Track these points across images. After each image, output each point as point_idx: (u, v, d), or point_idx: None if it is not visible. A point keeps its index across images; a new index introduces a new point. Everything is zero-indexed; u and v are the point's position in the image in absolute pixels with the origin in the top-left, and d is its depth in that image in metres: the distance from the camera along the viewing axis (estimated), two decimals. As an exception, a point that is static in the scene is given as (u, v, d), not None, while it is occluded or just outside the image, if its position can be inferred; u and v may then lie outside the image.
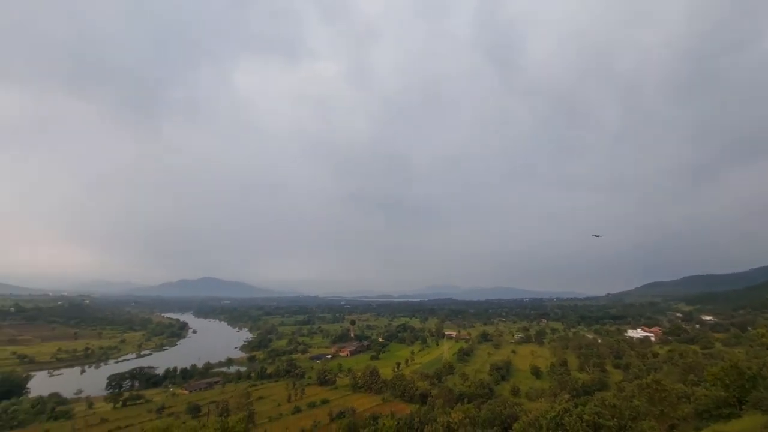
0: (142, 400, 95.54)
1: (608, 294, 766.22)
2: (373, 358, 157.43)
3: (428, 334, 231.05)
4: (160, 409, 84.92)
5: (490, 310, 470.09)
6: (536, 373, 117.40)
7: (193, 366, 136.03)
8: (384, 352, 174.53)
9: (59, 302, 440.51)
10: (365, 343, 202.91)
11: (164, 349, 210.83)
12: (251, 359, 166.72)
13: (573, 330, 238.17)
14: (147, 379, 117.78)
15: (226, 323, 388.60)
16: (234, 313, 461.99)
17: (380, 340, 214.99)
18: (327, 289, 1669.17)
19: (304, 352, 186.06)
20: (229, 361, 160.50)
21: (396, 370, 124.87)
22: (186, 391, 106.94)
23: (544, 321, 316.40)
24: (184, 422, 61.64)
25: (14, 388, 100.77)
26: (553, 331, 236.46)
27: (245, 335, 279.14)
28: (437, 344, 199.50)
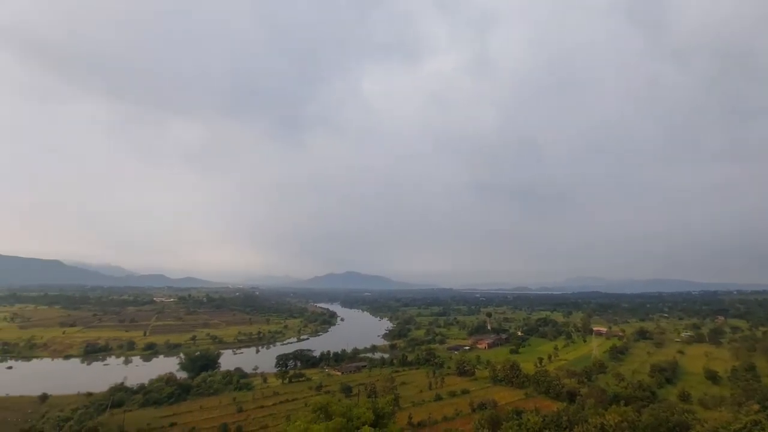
0: (303, 378, 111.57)
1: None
2: (512, 351, 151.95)
3: (573, 330, 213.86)
4: (319, 387, 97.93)
5: (648, 305, 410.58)
6: (712, 377, 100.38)
7: (343, 351, 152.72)
8: (524, 346, 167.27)
9: (236, 293, 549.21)
10: (503, 336, 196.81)
11: (318, 335, 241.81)
12: (392, 347, 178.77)
13: (762, 329, 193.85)
14: (306, 360, 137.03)
15: (368, 313, 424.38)
16: (375, 304, 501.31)
17: (519, 333, 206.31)
18: (461, 282, 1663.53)
19: (441, 342, 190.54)
20: (374, 348, 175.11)
21: (538, 365, 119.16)
22: (338, 373, 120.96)
23: (721, 318, 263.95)
24: (339, 400, 70.45)
25: (210, 362, 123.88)
26: (735, 329, 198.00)
27: (386, 324, 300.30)
28: (584, 340, 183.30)
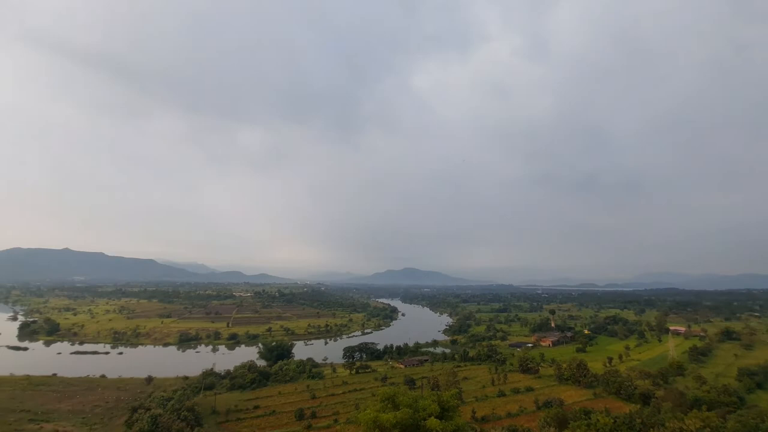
0: (369, 369, 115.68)
1: None
2: (578, 350, 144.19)
3: (646, 328, 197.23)
4: (384, 378, 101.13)
5: (735, 303, 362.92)
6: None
7: (405, 345, 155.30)
8: (591, 345, 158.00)
9: (304, 289, 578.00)
10: (568, 334, 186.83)
11: (381, 329, 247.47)
12: (453, 342, 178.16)
13: None
14: (371, 352, 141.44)
15: (428, 309, 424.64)
16: (434, 300, 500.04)
17: (585, 331, 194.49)
18: (522, 278, 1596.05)
19: (503, 339, 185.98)
20: (435, 343, 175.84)
21: (608, 365, 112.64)
22: (402, 366, 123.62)
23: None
24: (405, 392, 72.74)
25: (285, 352, 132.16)
26: None
27: (445, 320, 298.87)
28: (659, 340, 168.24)
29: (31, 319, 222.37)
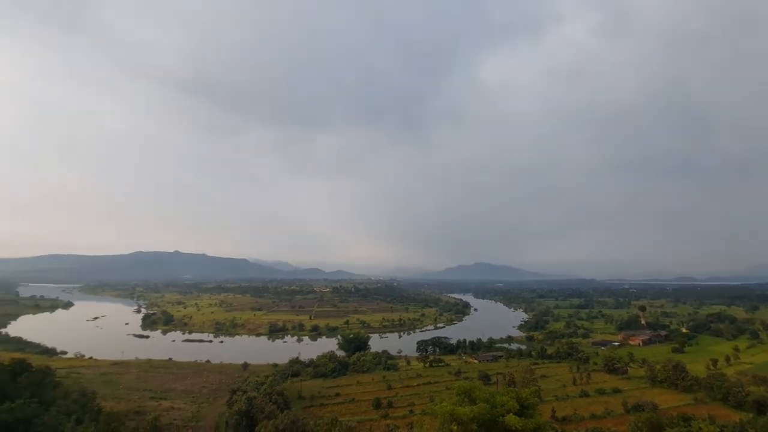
0: (442, 363, 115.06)
1: None
2: (675, 350, 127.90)
3: (761, 327, 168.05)
4: (458, 373, 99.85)
5: None
6: None
7: (479, 340, 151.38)
8: (690, 345, 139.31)
9: (378, 284, 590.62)
10: (662, 332, 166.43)
11: (453, 324, 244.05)
12: (529, 339, 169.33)
13: None
14: (444, 346, 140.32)
15: (501, 304, 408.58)
16: (507, 295, 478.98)
17: (683, 330, 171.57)
18: (605, 272, 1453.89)
19: (584, 336, 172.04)
20: (509, 339, 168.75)
21: (712, 367, 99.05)
22: (475, 361, 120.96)
23: None
24: (480, 387, 71.21)
25: (361, 344, 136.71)
26: None
27: (520, 315, 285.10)
28: None
29: (151, 312, 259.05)
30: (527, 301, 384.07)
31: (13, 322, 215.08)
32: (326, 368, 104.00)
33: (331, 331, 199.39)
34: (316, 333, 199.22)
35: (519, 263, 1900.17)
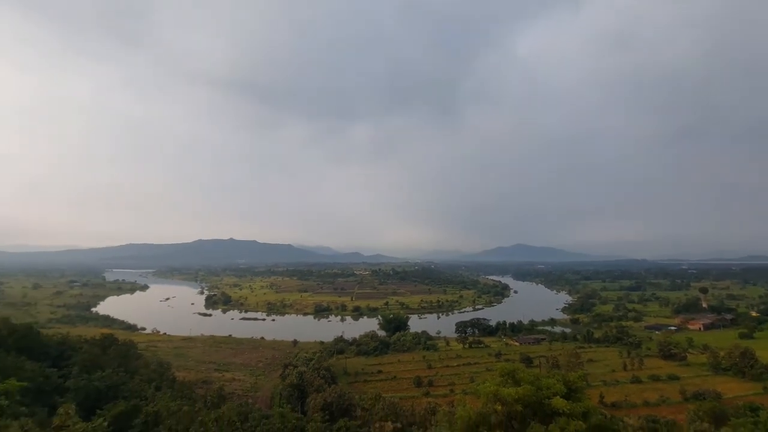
0: (482, 345, 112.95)
1: None
2: (743, 336, 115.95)
3: None
4: (498, 354, 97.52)
5: None
6: None
7: (520, 322, 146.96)
8: (761, 330, 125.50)
9: (415, 267, 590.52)
10: (727, 316, 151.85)
11: (492, 306, 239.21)
12: (574, 321, 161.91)
13: None
14: (483, 328, 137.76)
15: (543, 286, 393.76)
16: (549, 277, 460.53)
17: (752, 314, 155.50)
18: (659, 252, 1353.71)
19: (636, 320, 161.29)
20: (552, 321, 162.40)
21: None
22: (516, 343, 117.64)
23: None
24: (525, 369, 68.92)
25: (401, 324, 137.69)
26: None
27: (563, 298, 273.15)
28: None
29: (212, 293, 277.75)
30: (571, 283, 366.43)
31: (101, 303, 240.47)
32: (368, 347, 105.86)
33: (371, 312, 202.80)
34: (357, 313, 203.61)
35: (561, 244, 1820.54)
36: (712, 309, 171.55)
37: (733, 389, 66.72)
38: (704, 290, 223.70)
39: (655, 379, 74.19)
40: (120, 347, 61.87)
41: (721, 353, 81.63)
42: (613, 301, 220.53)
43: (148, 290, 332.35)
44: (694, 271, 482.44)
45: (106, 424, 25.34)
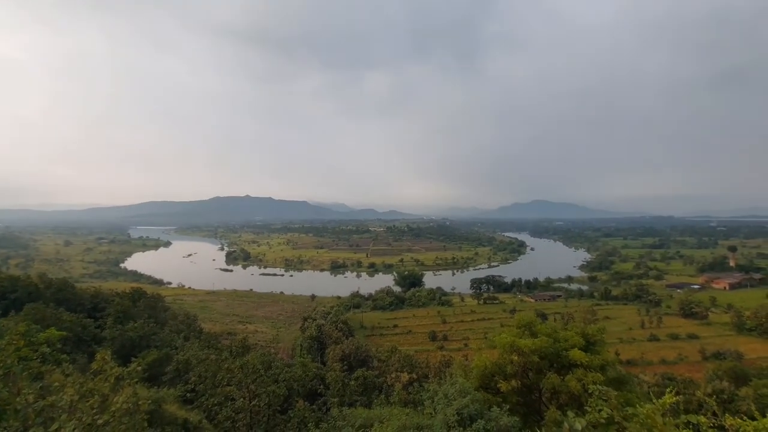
0: (497, 301, 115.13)
1: None
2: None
3: None
4: (513, 311, 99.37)
5: None
6: None
7: (535, 279, 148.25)
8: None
9: (430, 224, 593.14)
10: (756, 275, 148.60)
11: (508, 263, 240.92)
12: (592, 279, 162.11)
13: None
14: (498, 285, 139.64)
15: (561, 243, 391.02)
16: (568, 234, 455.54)
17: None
18: (687, 208, 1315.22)
19: (657, 278, 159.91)
20: (569, 279, 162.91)
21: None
22: (532, 300, 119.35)
23: None
24: (542, 322, 70.30)
25: (416, 280, 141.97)
26: None
27: (582, 255, 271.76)
28: None
29: (232, 250, 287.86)
30: (590, 240, 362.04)
31: (128, 258, 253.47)
32: (384, 302, 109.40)
33: (386, 268, 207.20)
34: (373, 270, 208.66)
35: (582, 200, 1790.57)
36: (741, 268, 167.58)
37: (756, 350, 66.70)
38: (733, 248, 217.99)
39: (674, 337, 74.75)
40: (149, 300, 65.61)
41: (746, 313, 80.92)
42: (634, 259, 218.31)
43: (171, 247, 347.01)
44: (724, 229, 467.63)
45: (140, 369, 27.26)
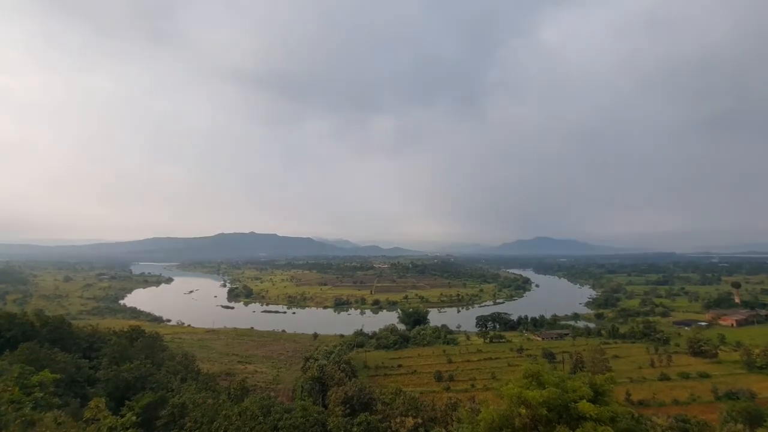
0: (503, 340, 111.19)
1: None
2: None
3: None
4: (520, 350, 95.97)
5: None
6: None
7: (542, 316, 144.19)
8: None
9: (435, 260, 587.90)
10: (762, 312, 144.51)
11: (513, 299, 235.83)
12: (598, 316, 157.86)
13: None
14: (504, 322, 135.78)
15: (565, 280, 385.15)
16: (572, 270, 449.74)
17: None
18: (688, 244, 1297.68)
19: (664, 315, 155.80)
20: (576, 316, 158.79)
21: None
22: (539, 338, 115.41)
23: None
24: (550, 371, 67.61)
25: (421, 318, 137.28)
26: None
27: (587, 292, 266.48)
28: None
29: (234, 286, 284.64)
30: (595, 277, 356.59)
31: (128, 295, 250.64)
32: (388, 340, 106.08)
33: (391, 305, 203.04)
34: (377, 307, 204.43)
35: (585, 237, 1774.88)
36: (746, 304, 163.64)
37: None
38: (737, 284, 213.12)
39: (685, 376, 71.48)
40: (147, 339, 64.13)
41: (756, 350, 77.82)
42: (640, 296, 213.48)
43: (172, 283, 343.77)
44: (726, 265, 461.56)
45: (135, 418, 26.16)
